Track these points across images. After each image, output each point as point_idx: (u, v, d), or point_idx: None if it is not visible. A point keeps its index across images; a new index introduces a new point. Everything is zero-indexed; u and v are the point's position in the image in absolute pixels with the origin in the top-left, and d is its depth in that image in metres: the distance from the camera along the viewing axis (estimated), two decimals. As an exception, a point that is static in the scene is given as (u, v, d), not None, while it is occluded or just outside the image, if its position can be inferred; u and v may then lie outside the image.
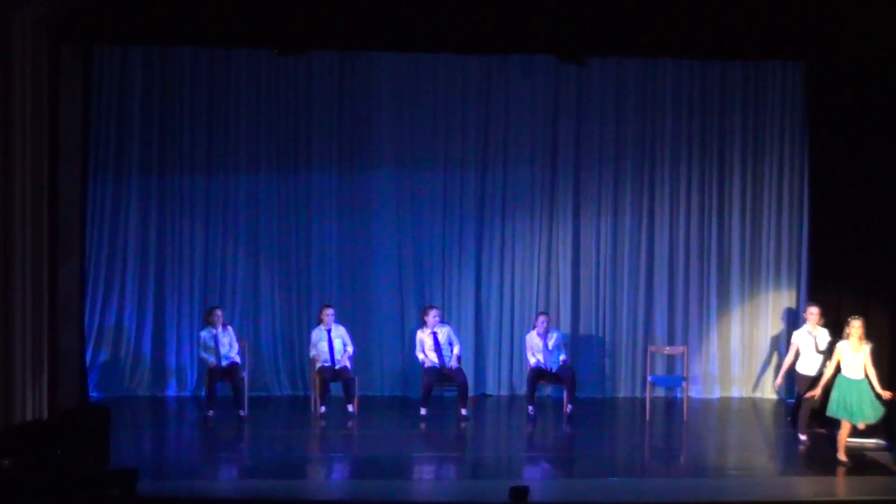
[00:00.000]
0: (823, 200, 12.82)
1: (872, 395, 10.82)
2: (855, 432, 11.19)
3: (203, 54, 13.68)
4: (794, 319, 14.00)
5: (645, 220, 14.20)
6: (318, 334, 12.95)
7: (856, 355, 10.77)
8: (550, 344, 12.86)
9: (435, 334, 12.86)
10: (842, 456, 10.83)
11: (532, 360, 12.96)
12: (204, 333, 12.76)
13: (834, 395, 10.87)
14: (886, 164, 12.15)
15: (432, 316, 12.88)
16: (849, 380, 10.78)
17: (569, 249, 14.18)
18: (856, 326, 10.78)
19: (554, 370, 12.86)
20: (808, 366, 11.86)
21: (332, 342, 12.84)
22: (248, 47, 13.42)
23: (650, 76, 14.12)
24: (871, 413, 10.83)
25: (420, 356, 12.90)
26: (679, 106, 14.17)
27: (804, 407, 11.73)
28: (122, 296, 13.75)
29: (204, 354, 12.74)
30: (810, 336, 11.89)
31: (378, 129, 13.99)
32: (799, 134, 13.99)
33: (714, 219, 14.24)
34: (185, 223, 13.84)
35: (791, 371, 12.08)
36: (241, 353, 12.91)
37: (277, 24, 12.22)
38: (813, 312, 11.97)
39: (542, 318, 13.02)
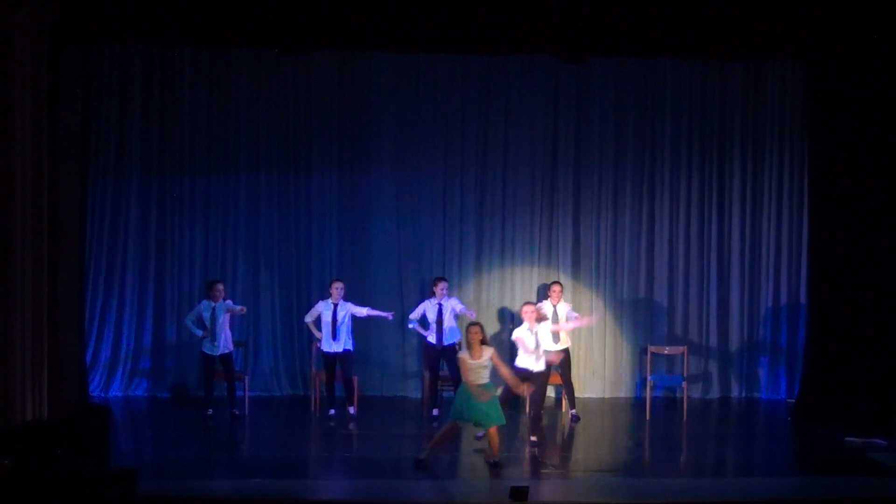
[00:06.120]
0: (823, 200, 12.81)
1: (497, 399, 10.58)
2: (858, 432, 11.18)
3: (203, 54, 13.69)
4: (794, 319, 14.02)
5: (645, 220, 14.21)
6: (323, 306, 12.79)
7: (478, 363, 10.43)
8: (561, 314, 12.77)
9: (440, 306, 12.78)
10: (495, 455, 10.55)
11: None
12: (202, 304, 12.76)
13: (459, 400, 10.55)
14: (886, 163, 12.14)
15: (441, 288, 12.80)
16: (472, 386, 10.44)
17: (569, 249, 14.19)
18: (474, 332, 10.47)
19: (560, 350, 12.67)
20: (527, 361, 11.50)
21: (337, 317, 12.76)
22: (248, 47, 13.44)
23: (650, 76, 14.12)
24: (496, 417, 10.47)
25: (413, 321, 12.85)
26: (679, 106, 14.18)
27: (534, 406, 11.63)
28: (122, 296, 13.76)
29: (189, 323, 12.74)
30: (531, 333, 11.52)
31: (378, 129, 14.00)
32: (799, 134, 13.99)
33: (714, 219, 14.24)
34: (185, 223, 13.85)
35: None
36: (236, 329, 12.96)
37: (278, 24, 12.24)
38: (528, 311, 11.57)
39: (556, 287, 12.90)
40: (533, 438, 11.57)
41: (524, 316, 11.52)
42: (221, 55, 13.69)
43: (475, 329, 10.51)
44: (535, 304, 12.05)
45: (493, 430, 10.52)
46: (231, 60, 13.75)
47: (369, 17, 12.08)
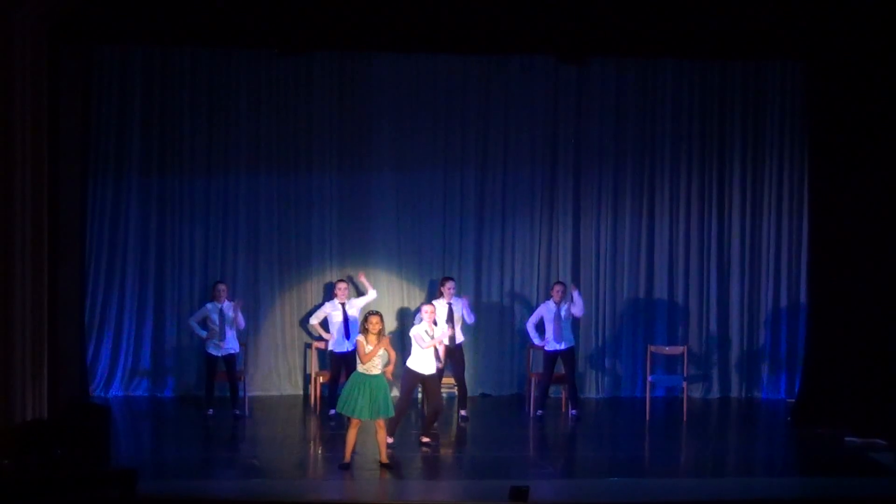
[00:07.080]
0: (823, 200, 12.81)
1: (388, 392, 10.47)
2: (858, 433, 11.17)
3: (203, 54, 13.69)
4: (794, 319, 14.02)
5: (645, 220, 14.20)
6: (331, 307, 12.84)
7: (374, 350, 10.36)
8: (563, 313, 12.80)
9: (450, 306, 12.70)
10: (347, 456, 10.48)
11: (539, 340, 12.86)
12: (209, 306, 12.76)
13: (346, 391, 10.48)
14: (886, 163, 12.14)
15: (448, 288, 12.75)
16: (365, 375, 10.35)
17: (569, 249, 14.18)
18: (374, 322, 10.36)
19: (563, 348, 12.77)
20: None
21: (348, 316, 12.77)
22: (248, 47, 13.44)
23: (650, 76, 14.12)
24: (383, 409, 10.39)
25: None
26: (679, 106, 14.17)
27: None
28: (122, 296, 13.74)
29: (194, 323, 12.74)
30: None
31: (378, 129, 13.99)
32: (799, 134, 13.99)
33: (714, 219, 14.24)
34: (185, 223, 13.83)
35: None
36: (244, 332, 12.96)
37: (278, 24, 12.25)
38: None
39: (557, 287, 12.92)
40: (425, 440, 11.48)
41: (423, 315, 11.50)
42: (221, 55, 13.69)
43: (377, 319, 10.39)
44: (432, 305, 11.79)
45: (381, 433, 10.51)
46: (231, 60, 13.74)
47: (369, 17, 12.09)
